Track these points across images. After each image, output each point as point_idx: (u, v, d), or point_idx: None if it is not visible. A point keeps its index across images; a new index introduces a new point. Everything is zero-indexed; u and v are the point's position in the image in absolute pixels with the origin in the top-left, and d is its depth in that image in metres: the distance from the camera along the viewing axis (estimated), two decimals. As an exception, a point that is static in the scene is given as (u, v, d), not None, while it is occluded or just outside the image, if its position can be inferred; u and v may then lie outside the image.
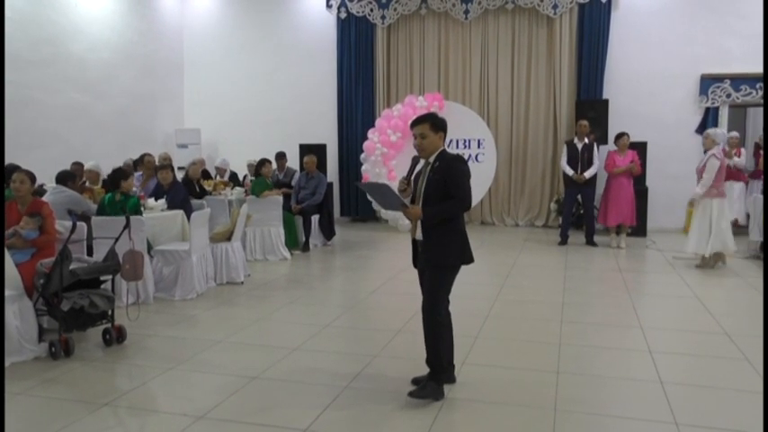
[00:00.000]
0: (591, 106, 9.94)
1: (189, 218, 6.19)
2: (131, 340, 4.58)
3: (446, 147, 3.59)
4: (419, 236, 3.50)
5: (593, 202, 8.96)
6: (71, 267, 4.32)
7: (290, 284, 6.70)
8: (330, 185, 9.88)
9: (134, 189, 6.56)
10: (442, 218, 3.40)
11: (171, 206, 6.72)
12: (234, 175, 10.15)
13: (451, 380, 3.68)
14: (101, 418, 3.30)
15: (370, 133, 10.18)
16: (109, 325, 4.52)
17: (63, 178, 6.20)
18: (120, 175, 5.93)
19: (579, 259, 7.89)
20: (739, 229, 9.26)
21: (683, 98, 10.11)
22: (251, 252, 7.86)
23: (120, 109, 10.76)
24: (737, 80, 9.76)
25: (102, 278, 4.61)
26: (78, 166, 7.66)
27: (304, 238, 8.59)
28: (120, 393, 3.63)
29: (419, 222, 3.47)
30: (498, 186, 10.95)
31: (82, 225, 4.92)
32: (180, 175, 8.27)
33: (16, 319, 4.14)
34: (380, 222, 11.15)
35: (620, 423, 3.28)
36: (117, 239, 4.70)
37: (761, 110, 10.14)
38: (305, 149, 10.28)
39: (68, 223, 4.84)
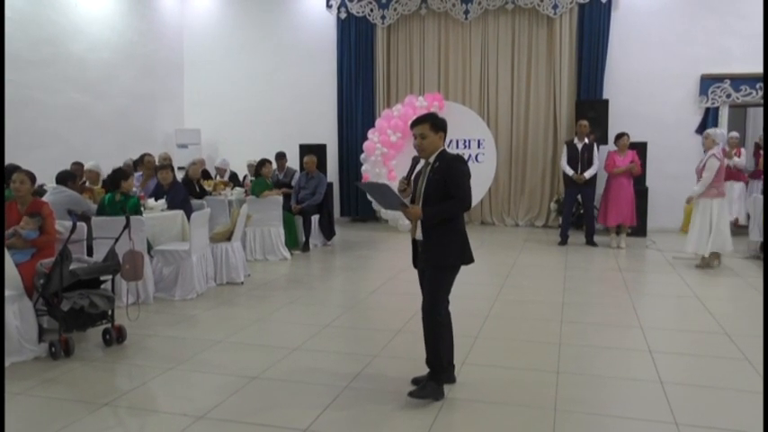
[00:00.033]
0: (591, 106, 9.94)
1: (189, 218, 6.19)
2: (131, 340, 4.58)
3: (446, 147, 3.59)
4: (419, 236, 3.50)
5: (593, 202, 8.97)
6: (71, 267, 4.32)
7: (290, 284, 6.70)
8: (330, 185, 9.88)
9: (134, 189, 6.55)
10: (442, 218, 3.40)
11: (171, 206, 6.73)
12: (234, 176, 10.15)
13: (451, 380, 3.68)
14: (101, 418, 3.30)
15: (370, 133, 10.18)
16: (109, 325, 4.52)
17: (63, 178, 6.20)
18: (120, 175, 5.93)
19: (579, 259, 7.89)
20: (739, 229, 9.28)
21: (683, 98, 10.11)
22: (251, 252, 7.86)
23: (120, 109, 10.76)
24: (737, 80, 9.76)
25: (102, 278, 4.61)
26: (78, 166, 7.66)
27: (304, 238, 8.59)
28: (120, 393, 3.63)
29: (419, 222, 3.47)
30: (498, 186, 10.95)
31: (82, 225, 4.92)
32: (180, 175, 8.27)
33: (16, 319, 4.14)
34: (380, 222, 11.15)
35: (620, 423, 3.28)
36: (117, 239, 4.70)
37: (761, 110, 10.14)
38: (305, 149, 10.28)
39: (68, 223, 4.84)
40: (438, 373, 3.51)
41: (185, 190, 7.36)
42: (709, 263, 7.21)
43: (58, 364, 4.10)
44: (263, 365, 4.05)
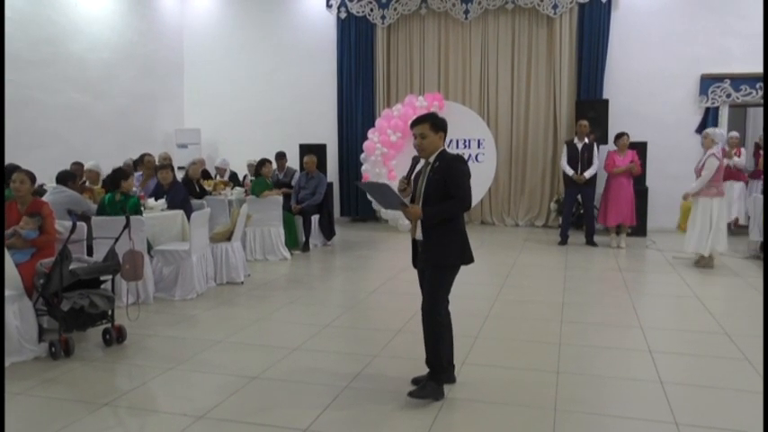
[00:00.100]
0: (591, 106, 9.94)
1: (189, 218, 6.19)
2: (131, 340, 4.58)
3: (446, 147, 3.59)
4: (419, 236, 3.50)
5: (593, 202, 8.96)
6: (71, 267, 4.32)
7: (290, 284, 6.70)
8: (330, 185, 9.88)
9: (134, 189, 6.55)
10: (442, 218, 3.40)
11: (171, 206, 6.73)
12: (234, 175, 10.15)
13: (451, 380, 3.68)
14: (101, 418, 3.30)
15: (370, 133, 10.18)
16: (109, 325, 4.52)
17: (63, 178, 6.21)
18: (120, 175, 5.93)
19: (579, 259, 7.89)
20: (739, 229, 9.28)
21: (683, 98, 10.11)
22: (251, 252, 7.86)
23: (120, 109, 10.76)
24: (737, 80, 9.76)
25: (102, 278, 4.61)
26: (78, 166, 7.66)
27: (304, 238, 8.59)
28: (120, 393, 3.63)
29: (419, 222, 3.47)
30: (498, 186, 10.95)
31: (82, 225, 4.92)
32: (180, 175, 8.27)
33: (16, 319, 4.14)
34: (380, 222, 11.15)
35: (620, 423, 3.28)
36: (117, 239, 4.70)
37: (761, 110, 10.14)
38: (305, 149, 10.28)
39: (68, 223, 4.84)
40: (438, 373, 3.51)
41: (185, 190, 7.36)
42: (708, 262, 7.21)
43: (58, 364, 4.10)
44: (263, 365, 4.05)
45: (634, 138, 9.08)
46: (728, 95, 9.84)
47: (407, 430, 3.18)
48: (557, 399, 3.50)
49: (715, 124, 9.72)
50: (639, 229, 9.27)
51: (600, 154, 8.92)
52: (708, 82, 9.92)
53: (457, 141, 10.18)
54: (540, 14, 10.59)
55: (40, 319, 4.38)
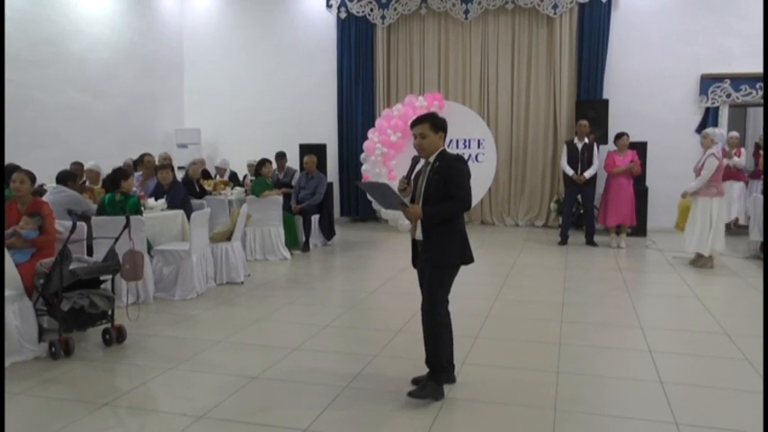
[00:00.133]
0: (591, 106, 9.94)
1: (189, 218, 6.19)
2: (131, 340, 4.58)
3: (446, 147, 3.59)
4: (419, 236, 3.50)
5: (593, 202, 8.97)
6: (71, 267, 4.32)
7: (290, 284, 6.70)
8: (330, 185, 9.88)
9: (134, 189, 6.56)
10: (442, 218, 3.40)
11: (171, 206, 6.73)
12: (234, 175, 10.15)
13: (451, 380, 3.68)
14: (101, 418, 3.30)
15: (370, 133, 10.18)
16: (109, 325, 4.52)
17: (63, 178, 6.20)
18: (120, 174, 5.93)
19: (579, 259, 7.89)
20: (739, 229, 9.28)
21: (683, 98, 10.11)
22: (251, 252, 7.86)
23: (120, 109, 10.76)
24: (737, 80, 9.76)
25: (102, 278, 4.61)
26: (78, 166, 7.66)
27: (304, 238, 8.59)
28: (120, 393, 3.63)
29: (419, 222, 3.47)
30: (498, 186, 10.95)
31: (82, 225, 4.92)
32: (180, 175, 8.27)
33: (16, 319, 4.14)
34: (380, 222, 11.15)
35: (620, 423, 3.28)
36: (117, 239, 4.70)
37: (761, 110, 10.14)
38: (305, 149, 10.28)
39: (68, 223, 4.84)
40: (438, 373, 3.51)
41: (185, 190, 7.36)
42: (707, 262, 7.21)
43: (57, 363, 4.10)
44: (263, 365, 4.05)
45: (634, 138, 9.08)
46: (728, 95, 9.85)
47: (407, 430, 3.18)
48: (557, 399, 3.50)
49: (715, 124, 9.72)
50: (639, 229, 9.27)
51: (600, 154, 8.92)
52: (708, 82, 9.92)
53: (457, 141, 10.18)
54: (540, 14, 10.60)
55: (40, 319, 4.38)
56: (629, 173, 8.59)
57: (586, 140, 8.83)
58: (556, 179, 10.61)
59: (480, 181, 9.80)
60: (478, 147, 10.25)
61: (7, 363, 4.00)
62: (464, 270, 3.53)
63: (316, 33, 11.69)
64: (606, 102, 10.02)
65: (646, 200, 9.53)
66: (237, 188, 8.84)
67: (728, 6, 9.81)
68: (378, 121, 10.29)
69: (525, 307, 5.65)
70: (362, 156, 10.30)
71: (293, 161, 10.34)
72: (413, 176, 3.57)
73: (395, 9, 11.15)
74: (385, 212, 10.37)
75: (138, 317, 4.90)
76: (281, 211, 8.05)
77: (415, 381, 3.64)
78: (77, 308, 4.29)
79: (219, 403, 3.46)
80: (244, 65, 12.11)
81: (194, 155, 10.52)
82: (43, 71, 9.22)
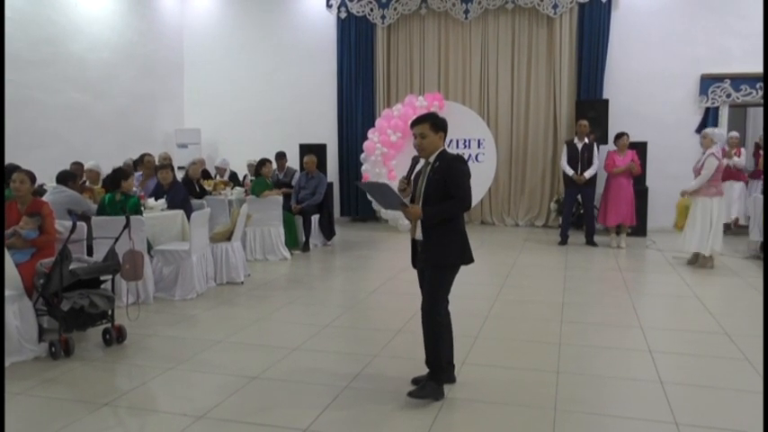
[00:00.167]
0: (591, 106, 9.94)
1: (189, 218, 6.19)
2: (131, 340, 4.58)
3: (446, 147, 3.59)
4: (419, 236, 3.50)
5: (593, 202, 8.96)
6: (71, 267, 4.32)
7: (290, 284, 6.70)
8: (330, 185, 9.88)
9: (134, 189, 6.56)
10: (442, 218, 3.40)
11: (171, 206, 6.73)
12: (234, 175, 10.15)
13: (451, 380, 3.68)
14: (101, 418, 3.30)
15: (370, 133, 10.18)
16: (109, 325, 4.52)
17: (63, 178, 6.21)
18: (120, 174, 5.93)
19: (579, 259, 7.89)
20: (739, 229, 9.27)
21: (683, 98, 10.11)
22: (251, 252, 7.86)
23: (120, 109, 10.76)
24: (737, 80, 9.76)
25: (102, 278, 4.61)
26: (78, 165, 7.66)
27: (304, 238, 8.59)
28: (120, 393, 3.63)
29: (419, 222, 3.47)
30: (498, 186, 10.95)
31: (82, 225, 4.92)
32: (180, 175, 8.27)
33: (16, 319, 4.14)
34: (380, 222, 11.15)
35: (620, 423, 3.28)
36: (117, 239, 4.70)
37: (761, 110, 10.14)
38: (305, 149, 10.28)
39: (68, 223, 4.84)
40: (438, 373, 3.51)
41: (185, 190, 7.36)
42: (707, 262, 7.21)
43: (57, 363, 4.10)
44: (263, 365, 4.05)
45: (634, 138, 9.08)
46: (728, 95, 9.85)
47: (407, 430, 3.18)
48: (557, 399, 3.50)
49: (715, 124, 9.72)
50: (639, 229, 9.27)
51: (600, 154, 8.91)
52: (708, 82, 9.92)
53: (457, 141, 10.19)
54: (540, 14, 10.60)
55: (40, 319, 4.38)
56: (629, 173, 8.59)
57: (586, 140, 8.83)
58: (556, 179, 10.61)
59: (480, 181, 9.80)
60: (478, 147, 10.25)
61: (7, 363, 4.00)
62: (464, 270, 3.53)
63: (316, 33, 11.69)
64: (606, 102, 10.03)
65: (646, 200, 9.53)
66: (237, 188, 8.84)
67: (728, 6, 9.81)
68: (378, 121, 10.29)
69: (525, 307, 5.65)
70: (362, 156, 10.30)
71: (293, 161, 10.34)
72: (413, 176, 3.57)
73: (395, 9, 11.15)
74: (385, 212, 10.37)
75: (138, 317, 4.90)
76: (281, 211, 8.06)
77: (415, 381, 3.64)
78: (77, 308, 4.29)
79: (219, 403, 3.46)
80: (244, 65, 12.11)
81: (194, 155, 10.52)
82: (43, 71, 9.23)
